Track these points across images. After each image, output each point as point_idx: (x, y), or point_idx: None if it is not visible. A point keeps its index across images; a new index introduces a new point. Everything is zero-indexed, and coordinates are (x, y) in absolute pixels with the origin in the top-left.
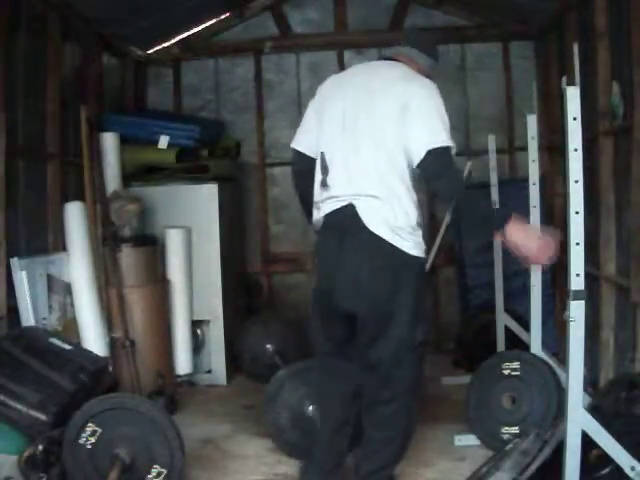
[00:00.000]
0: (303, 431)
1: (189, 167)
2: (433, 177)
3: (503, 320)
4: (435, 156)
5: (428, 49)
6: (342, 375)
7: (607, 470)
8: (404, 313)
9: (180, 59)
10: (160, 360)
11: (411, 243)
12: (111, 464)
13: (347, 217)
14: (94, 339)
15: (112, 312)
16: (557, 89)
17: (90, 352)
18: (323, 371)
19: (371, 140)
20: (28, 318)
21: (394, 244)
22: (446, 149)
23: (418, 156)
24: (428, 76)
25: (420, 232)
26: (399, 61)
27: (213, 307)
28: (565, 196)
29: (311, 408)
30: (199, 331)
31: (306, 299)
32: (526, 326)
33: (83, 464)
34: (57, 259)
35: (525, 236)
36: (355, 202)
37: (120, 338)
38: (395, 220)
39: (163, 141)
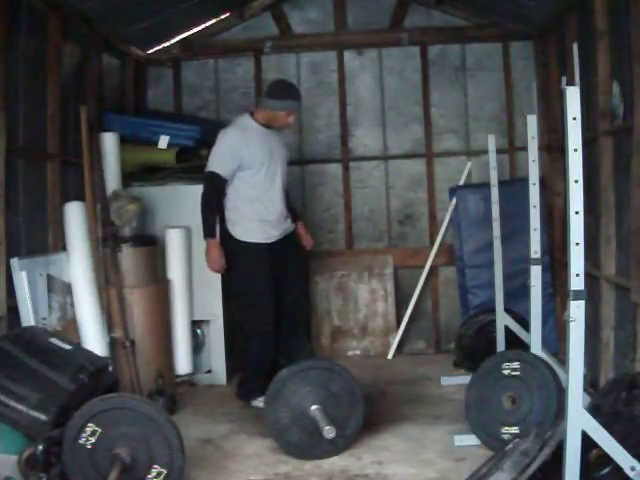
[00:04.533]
0: (304, 430)
1: (189, 167)
2: None
3: (503, 320)
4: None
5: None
6: None
7: (607, 470)
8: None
9: (180, 59)
10: (160, 360)
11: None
12: (111, 464)
13: None
14: (94, 339)
15: (112, 312)
16: (557, 89)
17: (90, 352)
18: None
19: None
20: (28, 318)
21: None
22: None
23: None
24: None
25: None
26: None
27: (213, 307)
28: (565, 196)
29: (313, 408)
30: (199, 331)
31: None
32: (526, 326)
33: (83, 464)
34: (57, 259)
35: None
36: None
37: (120, 338)
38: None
39: (163, 141)
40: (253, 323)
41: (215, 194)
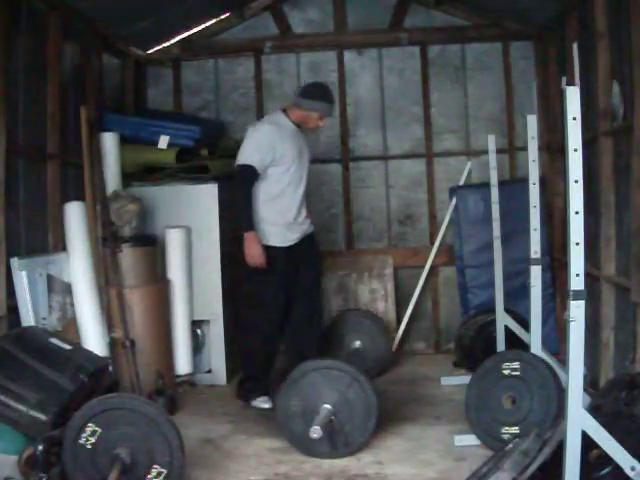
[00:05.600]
0: (309, 425)
1: (189, 167)
2: None
3: (503, 320)
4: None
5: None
6: None
7: (607, 470)
8: None
9: (180, 59)
10: (160, 360)
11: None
12: (111, 464)
13: None
14: (94, 339)
15: (112, 312)
16: (557, 89)
17: (90, 352)
18: None
19: None
20: (28, 318)
21: None
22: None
23: None
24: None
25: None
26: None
27: (213, 307)
28: (565, 196)
29: (324, 406)
30: (199, 331)
31: None
32: (526, 326)
33: (83, 464)
34: (57, 259)
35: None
36: None
37: (120, 338)
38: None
39: (163, 141)
40: (257, 322)
41: (249, 187)
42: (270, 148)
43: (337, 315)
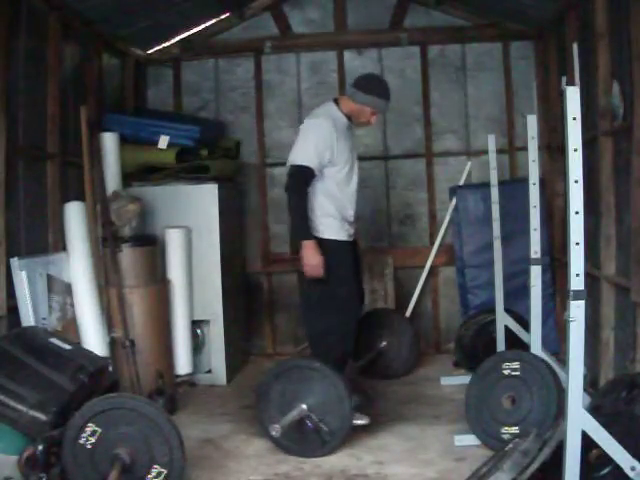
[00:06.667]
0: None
1: (189, 167)
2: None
3: (503, 320)
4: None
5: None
6: None
7: (607, 470)
8: None
9: (180, 59)
10: (160, 360)
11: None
12: (111, 464)
13: None
14: (94, 339)
15: (112, 312)
16: (557, 89)
17: (90, 352)
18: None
19: None
20: (28, 318)
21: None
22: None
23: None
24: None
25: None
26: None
27: (213, 307)
28: (565, 196)
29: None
30: (199, 331)
31: None
32: (526, 326)
33: (83, 464)
34: (57, 259)
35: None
36: None
37: (120, 338)
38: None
39: (163, 141)
40: (341, 328)
41: (305, 191)
42: (329, 147)
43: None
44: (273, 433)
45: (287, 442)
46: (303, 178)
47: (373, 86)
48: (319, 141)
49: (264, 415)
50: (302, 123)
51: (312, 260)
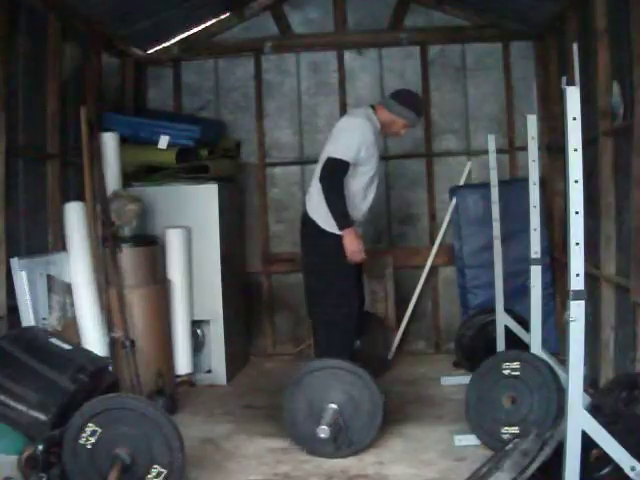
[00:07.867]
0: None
1: (189, 167)
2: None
3: (503, 320)
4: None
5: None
6: None
7: (607, 470)
8: None
9: (180, 59)
10: (160, 360)
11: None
12: (111, 464)
13: None
14: (94, 339)
15: (112, 312)
16: (557, 89)
17: (90, 352)
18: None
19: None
20: (28, 318)
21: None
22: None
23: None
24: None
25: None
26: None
27: (213, 307)
28: (565, 196)
29: (330, 405)
30: (199, 331)
31: None
32: (526, 326)
33: (83, 464)
34: (57, 259)
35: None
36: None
37: (120, 338)
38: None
39: (163, 141)
40: (339, 320)
41: (342, 183)
42: (364, 146)
43: None
44: (322, 435)
45: (314, 443)
46: (342, 171)
47: (410, 100)
48: (360, 139)
49: (290, 416)
50: (341, 119)
51: (352, 246)
